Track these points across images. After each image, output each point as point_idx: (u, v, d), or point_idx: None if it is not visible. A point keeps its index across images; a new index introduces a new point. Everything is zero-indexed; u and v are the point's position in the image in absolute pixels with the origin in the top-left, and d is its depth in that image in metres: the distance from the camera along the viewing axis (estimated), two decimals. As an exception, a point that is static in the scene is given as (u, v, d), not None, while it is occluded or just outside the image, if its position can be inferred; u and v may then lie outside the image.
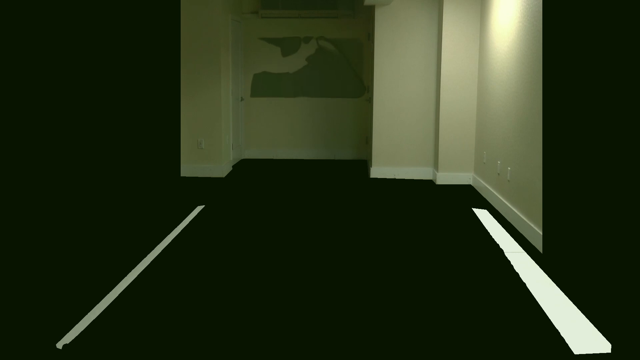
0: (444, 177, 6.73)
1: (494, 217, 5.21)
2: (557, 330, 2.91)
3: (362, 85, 8.26)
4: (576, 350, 2.70)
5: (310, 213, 5.30)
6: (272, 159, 8.37)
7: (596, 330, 2.90)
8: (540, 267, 3.86)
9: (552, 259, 3.84)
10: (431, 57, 6.83)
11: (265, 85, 8.30)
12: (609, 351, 2.70)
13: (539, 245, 4.24)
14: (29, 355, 2.65)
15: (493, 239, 4.50)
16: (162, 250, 4.17)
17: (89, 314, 3.08)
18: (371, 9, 7.44)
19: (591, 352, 2.69)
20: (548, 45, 3.71)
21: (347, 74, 8.26)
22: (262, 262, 3.94)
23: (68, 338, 2.80)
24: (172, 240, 4.42)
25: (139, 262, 3.90)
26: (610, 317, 2.99)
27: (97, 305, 3.19)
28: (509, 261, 3.98)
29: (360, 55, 8.21)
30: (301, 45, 8.19)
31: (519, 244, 4.38)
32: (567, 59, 3.39)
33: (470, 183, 6.72)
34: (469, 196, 6.09)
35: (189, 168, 7.02)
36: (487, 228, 4.83)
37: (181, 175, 6.99)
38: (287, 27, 8.17)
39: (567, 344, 2.76)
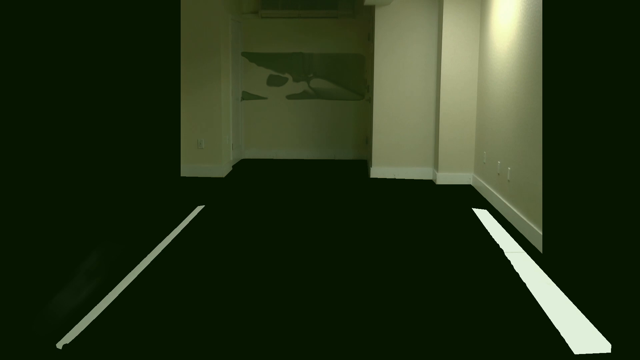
0: (444, 177, 6.73)
1: (494, 217, 5.21)
2: (557, 330, 2.91)
3: (363, 92, 8.28)
4: (576, 350, 2.70)
5: (310, 213, 5.30)
6: (272, 159, 8.37)
7: (596, 330, 2.90)
8: (540, 267, 3.86)
9: (552, 259, 3.84)
10: (431, 57, 6.83)
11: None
12: (609, 351, 2.70)
13: (539, 245, 4.24)
14: (29, 355, 2.65)
15: (493, 239, 4.50)
16: (162, 250, 4.17)
17: (89, 314, 3.08)
18: (371, 9, 7.43)
19: (591, 352, 2.69)
20: (548, 45, 3.71)
21: (346, 85, 8.27)
22: (262, 262, 3.94)
23: (68, 338, 2.80)
24: (172, 240, 4.42)
25: (139, 262, 3.90)
26: (610, 317, 2.99)
27: (97, 305, 3.19)
28: (509, 261, 3.98)
29: (362, 68, 8.22)
30: (286, 82, 8.27)
31: (519, 244, 4.38)
32: (567, 59, 3.39)
33: (470, 183, 6.72)
34: (469, 196, 6.08)
35: (189, 168, 7.01)
36: (487, 228, 4.83)
37: (181, 175, 6.99)
38: (286, 27, 8.17)
39: (567, 344, 2.76)
